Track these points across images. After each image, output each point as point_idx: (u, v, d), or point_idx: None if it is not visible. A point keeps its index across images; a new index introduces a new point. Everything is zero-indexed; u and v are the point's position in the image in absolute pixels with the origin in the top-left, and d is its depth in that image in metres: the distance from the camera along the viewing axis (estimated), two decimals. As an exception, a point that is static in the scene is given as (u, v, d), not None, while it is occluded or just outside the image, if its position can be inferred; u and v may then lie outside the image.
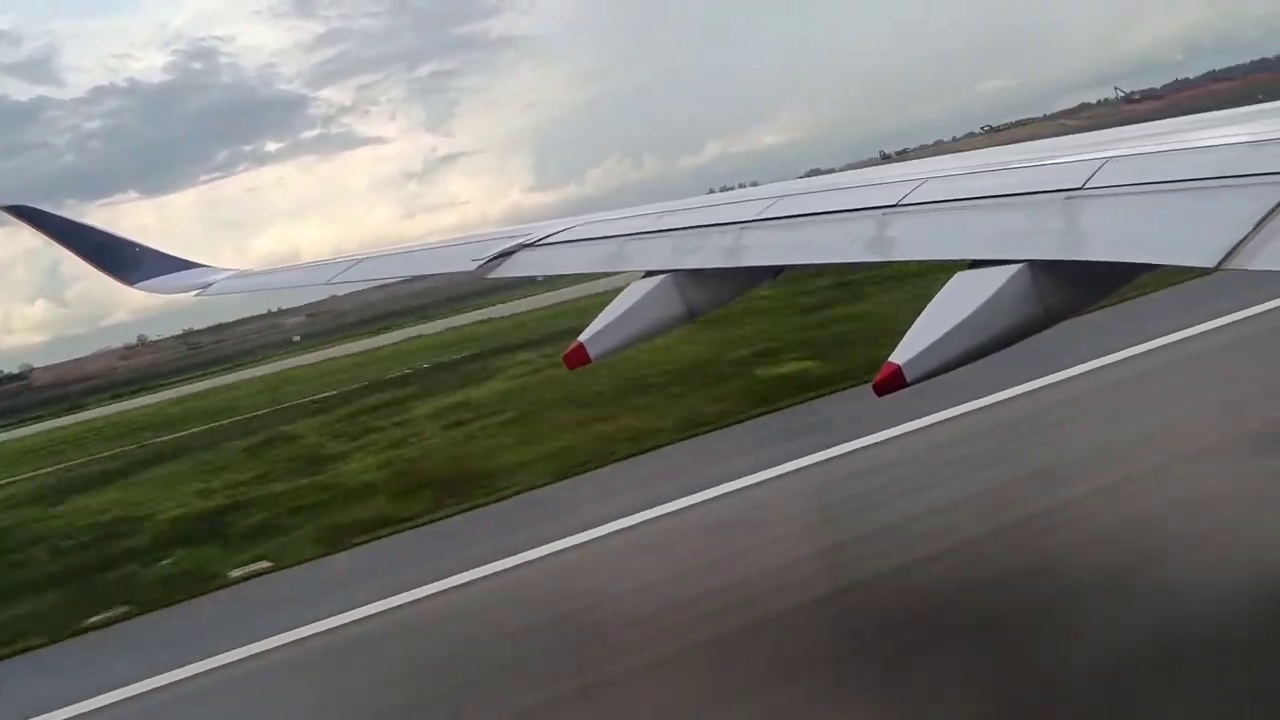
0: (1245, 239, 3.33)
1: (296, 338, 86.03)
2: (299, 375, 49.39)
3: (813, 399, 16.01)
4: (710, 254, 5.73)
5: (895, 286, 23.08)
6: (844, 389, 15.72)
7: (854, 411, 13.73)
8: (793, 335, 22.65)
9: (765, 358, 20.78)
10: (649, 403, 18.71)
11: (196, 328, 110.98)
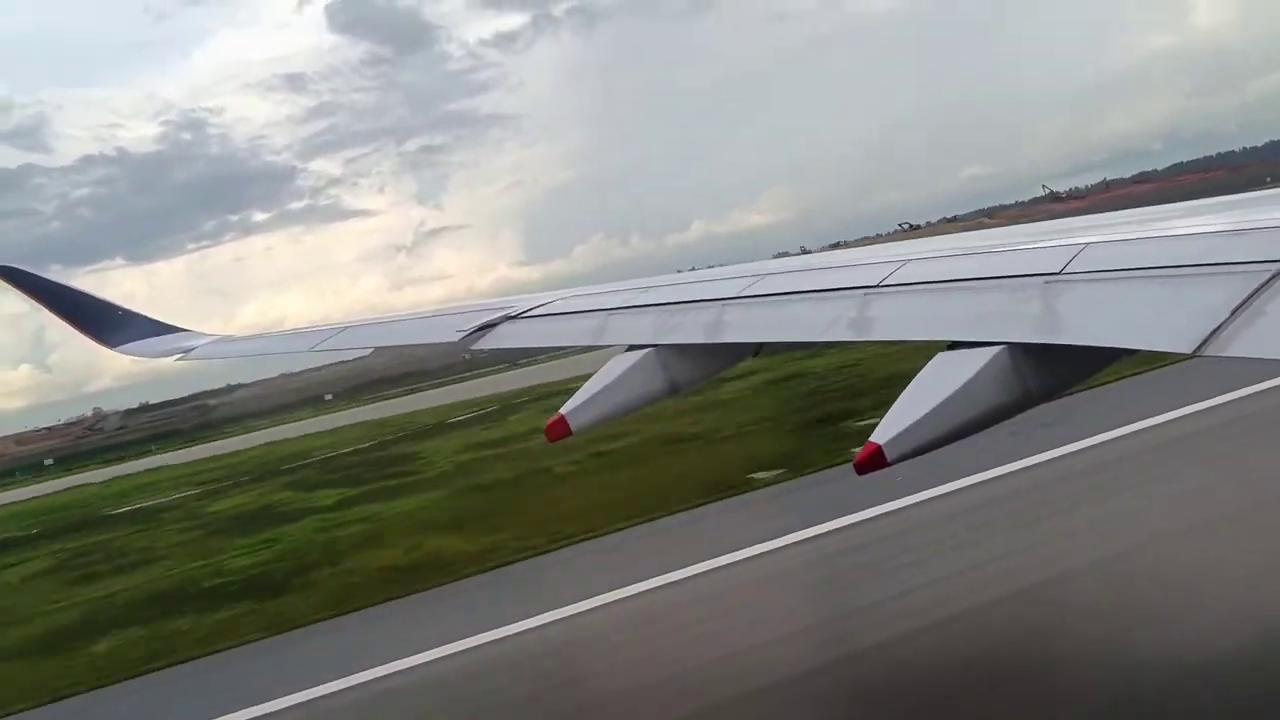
0: (1222, 326, 3.35)
1: (49, 461, 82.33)
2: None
3: None
4: (692, 330, 5.74)
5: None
6: None
7: None
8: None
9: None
10: None
11: (152, 401, 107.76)
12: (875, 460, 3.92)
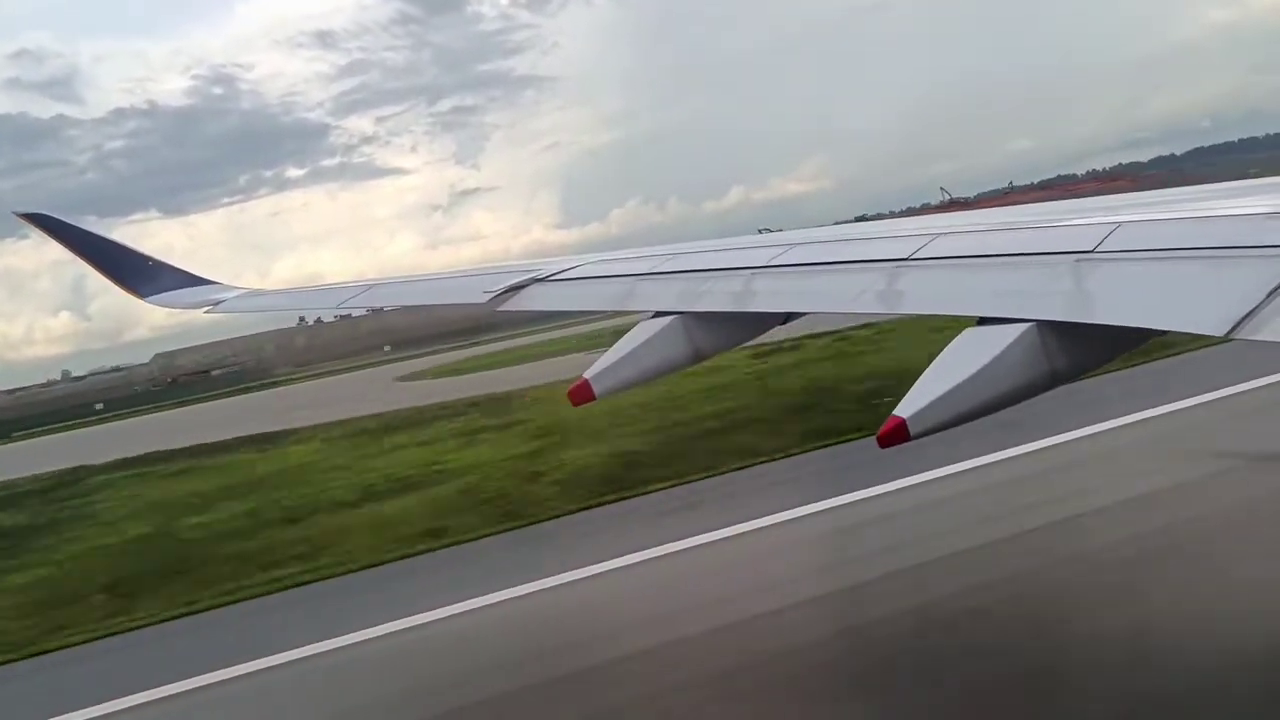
0: (1256, 309, 3.30)
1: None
2: None
3: None
4: (720, 298, 5.72)
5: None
6: None
7: None
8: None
9: None
10: None
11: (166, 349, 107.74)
12: (898, 434, 3.91)
